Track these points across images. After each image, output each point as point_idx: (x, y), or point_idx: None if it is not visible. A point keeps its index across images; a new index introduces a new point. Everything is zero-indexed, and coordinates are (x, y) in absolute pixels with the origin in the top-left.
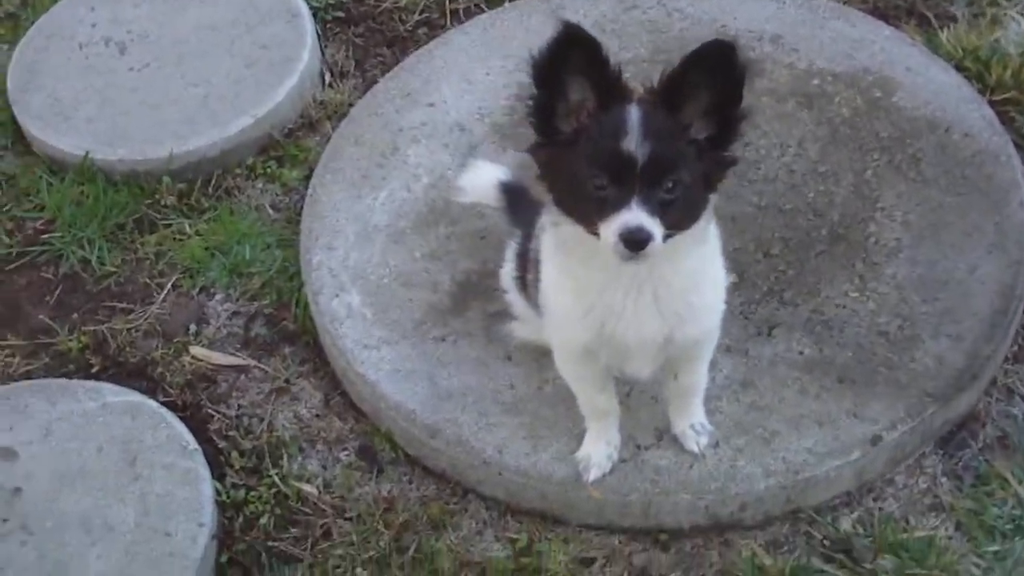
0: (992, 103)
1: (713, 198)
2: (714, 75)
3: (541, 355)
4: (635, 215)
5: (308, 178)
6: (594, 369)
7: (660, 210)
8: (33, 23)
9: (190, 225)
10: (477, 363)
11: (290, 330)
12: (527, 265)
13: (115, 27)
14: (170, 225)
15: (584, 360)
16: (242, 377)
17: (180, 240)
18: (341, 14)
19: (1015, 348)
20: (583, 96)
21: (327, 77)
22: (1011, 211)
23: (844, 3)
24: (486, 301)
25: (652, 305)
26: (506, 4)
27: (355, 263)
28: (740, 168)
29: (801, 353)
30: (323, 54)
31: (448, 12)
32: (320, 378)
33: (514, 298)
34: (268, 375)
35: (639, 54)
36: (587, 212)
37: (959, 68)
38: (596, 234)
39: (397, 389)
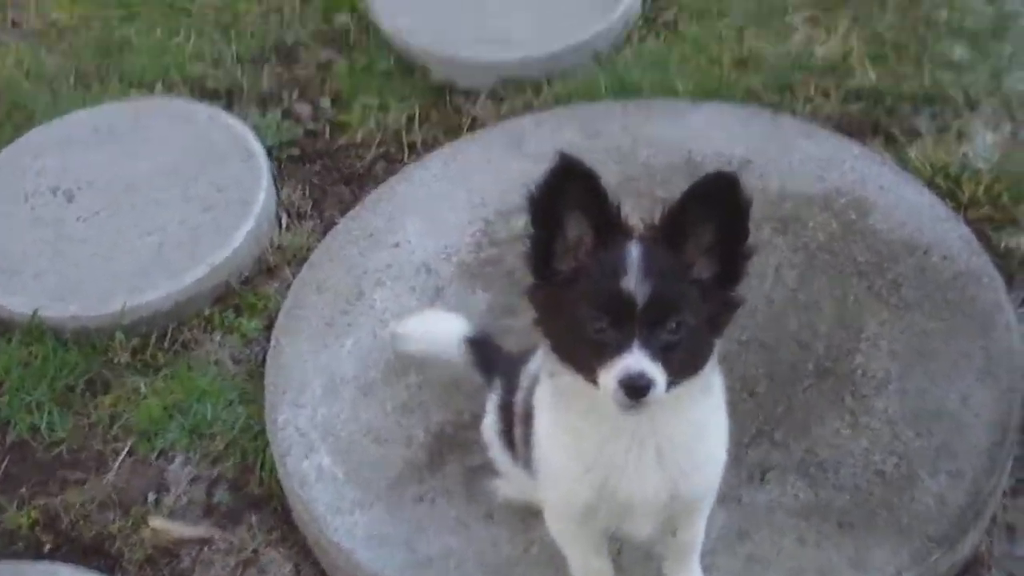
0: (967, 221)
1: (718, 343)
2: (716, 209)
3: (527, 514)
4: (636, 359)
5: (269, 328)
6: (590, 530)
7: (663, 355)
8: None
9: (146, 384)
10: (457, 523)
11: (255, 495)
12: (512, 419)
13: (63, 175)
14: (125, 385)
15: (581, 521)
16: (206, 550)
17: (135, 401)
18: (296, 151)
19: (1012, 482)
20: (581, 232)
21: (284, 219)
22: (998, 335)
23: (810, 119)
24: (464, 454)
25: (655, 461)
26: (466, 136)
27: (324, 419)
28: None
29: (797, 497)
30: (279, 195)
31: (406, 146)
32: (289, 547)
33: (498, 454)
34: (234, 546)
35: (607, 181)
36: (586, 358)
37: (930, 185)
38: (595, 382)
39: (373, 556)
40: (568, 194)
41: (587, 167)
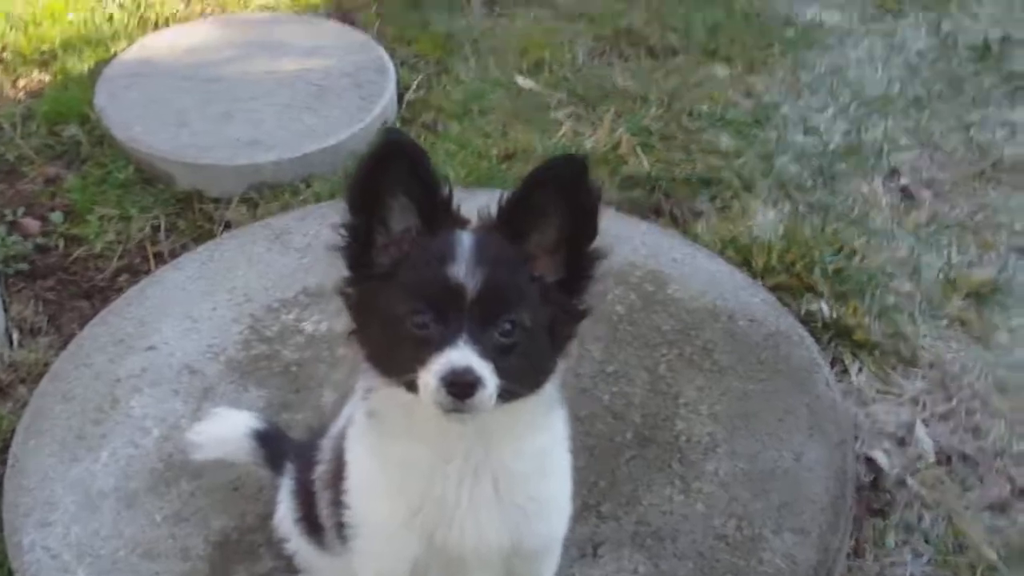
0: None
1: (561, 363)
2: (561, 199)
3: None
4: (462, 354)
5: (3, 451)
6: None
7: (494, 355)
8: None
9: None
10: None
11: None
12: (312, 500)
13: None
14: None
15: None
16: None
17: None
18: (25, 266)
19: (852, 541)
20: (406, 223)
21: (16, 337)
22: (819, 391)
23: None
24: (253, 561)
25: (493, 498)
26: (223, 235)
27: (78, 538)
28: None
29: (636, 572)
30: (6, 312)
31: (151, 256)
32: None
33: (298, 544)
34: None
35: None
36: (405, 359)
37: (722, 256)
38: (415, 388)
39: None
40: (392, 175)
41: (415, 144)
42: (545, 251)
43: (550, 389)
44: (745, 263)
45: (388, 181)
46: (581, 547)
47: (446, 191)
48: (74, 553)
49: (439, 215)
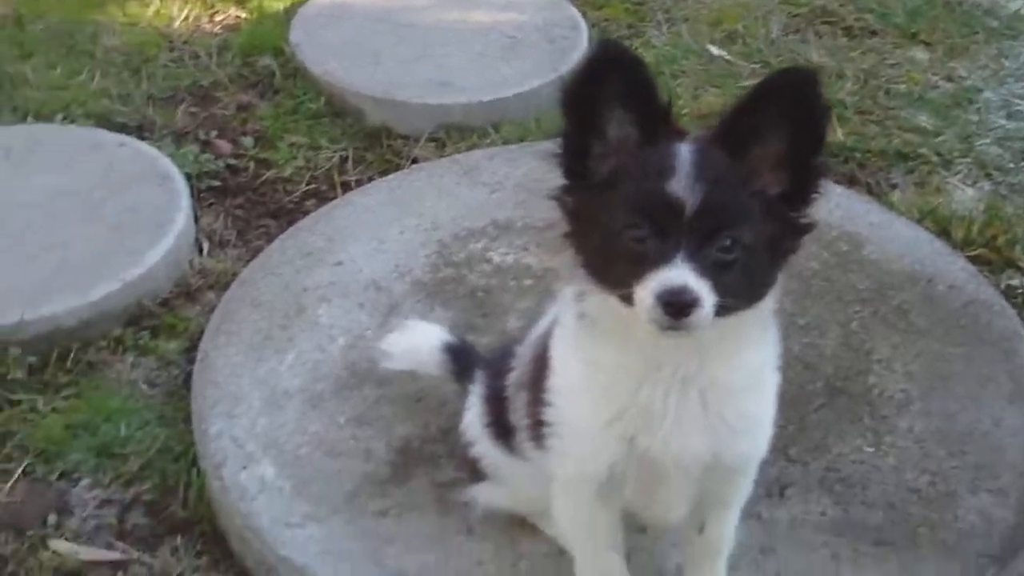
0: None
1: (781, 277)
2: (788, 112)
3: (512, 527)
4: (679, 273)
5: (190, 351)
6: (608, 513)
7: (712, 273)
8: None
9: (45, 402)
10: (432, 539)
11: (179, 518)
12: (503, 405)
13: None
14: (19, 403)
15: (600, 497)
16: (120, 574)
17: (32, 420)
18: (217, 183)
19: None
20: (623, 131)
21: (205, 246)
22: (1022, 361)
23: None
24: (434, 469)
25: (699, 410)
26: (412, 167)
27: (264, 431)
28: None
29: (823, 514)
30: (198, 223)
31: (339, 185)
32: (223, 572)
33: (486, 448)
34: (154, 571)
35: None
36: (621, 273)
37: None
38: (631, 301)
39: (334, 573)
40: (610, 85)
41: (633, 53)
42: (768, 164)
43: (768, 304)
44: (943, 233)
45: (605, 90)
46: (768, 487)
47: (665, 101)
48: (259, 444)
49: (658, 125)
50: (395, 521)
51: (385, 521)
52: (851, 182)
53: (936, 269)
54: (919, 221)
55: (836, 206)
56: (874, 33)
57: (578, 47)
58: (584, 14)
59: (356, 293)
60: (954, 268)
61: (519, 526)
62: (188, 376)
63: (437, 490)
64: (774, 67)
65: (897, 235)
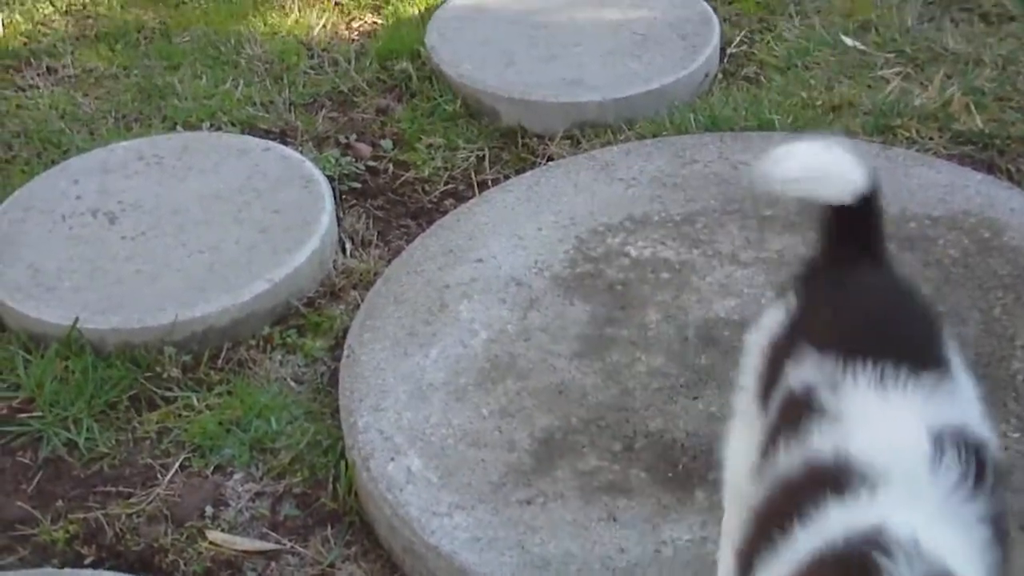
0: None
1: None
2: None
3: (654, 514)
4: None
5: (335, 348)
6: None
7: None
8: (6, 196)
9: (199, 399)
10: (575, 527)
11: (328, 509)
12: None
13: (103, 198)
14: (174, 401)
15: None
16: (273, 564)
17: (187, 416)
18: (357, 185)
19: None
20: None
21: (348, 246)
22: None
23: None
24: (576, 459)
25: None
26: (548, 164)
27: (410, 423)
28: None
29: None
30: (341, 224)
31: (476, 184)
32: (372, 561)
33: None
34: (306, 560)
35: (708, 206)
36: None
37: None
38: None
39: (481, 560)
40: None
41: None
42: None
43: None
44: None
45: None
46: None
47: None
48: (406, 436)
49: None
50: (539, 510)
51: (530, 509)
52: (990, 169)
53: None
54: None
55: (976, 193)
56: (1012, 19)
57: (710, 42)
58: (715, 8)
59: (497, 289)
60: None
61: (661, 514)
62: (334, 373)
63: (580, 479)
64: (909, 56)
65: None
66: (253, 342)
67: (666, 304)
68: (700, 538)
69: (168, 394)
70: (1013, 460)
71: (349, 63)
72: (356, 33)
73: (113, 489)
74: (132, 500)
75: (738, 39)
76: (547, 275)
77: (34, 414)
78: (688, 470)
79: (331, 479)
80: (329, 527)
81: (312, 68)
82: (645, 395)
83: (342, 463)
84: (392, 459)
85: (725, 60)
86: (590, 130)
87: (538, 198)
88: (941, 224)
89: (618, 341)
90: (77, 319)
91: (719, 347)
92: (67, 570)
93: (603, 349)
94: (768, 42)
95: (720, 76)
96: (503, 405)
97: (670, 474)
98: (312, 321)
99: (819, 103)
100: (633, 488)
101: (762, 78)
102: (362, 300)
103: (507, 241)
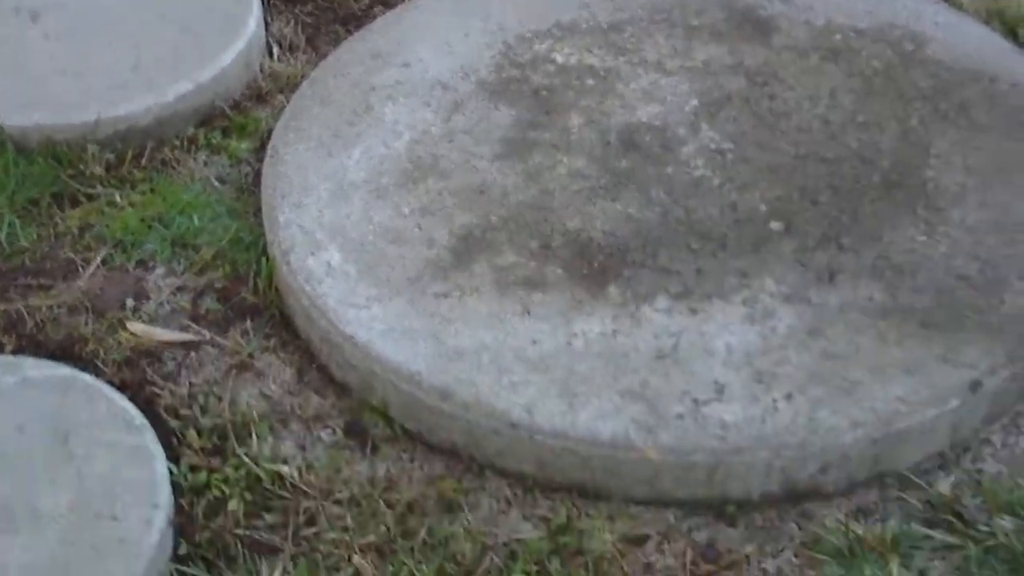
0: None
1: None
2: None
3: (568, 308)
4: None
5: (259, 150)
6: None
7: None
8: None
9: (121, 196)
10: (490, 318)
11: (249, 303)
12: None
13: None
14: (97, 198)
15: None
16: (192, 354)
17: (109, 213)
18: None
19: None
20: None
21: (276, 51)
22: None
23: None
24: (494, 255)
25: None
26: None
27: (331, 220)
28: (769, 120)
29: (871, 299)
30: (269, 29)
31: None
32: (290, 352)
33: None
34: (225, 350)
35: (636, 15)
36: None
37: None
38: None
39: (395, 349)
40: None
41: None
42: None
43: None
44: (1011, 34)
45: None
46: (818, 273)
47: None
48: (326, 232)
49: None
50: (455, 303)
51: (446, 302)
52: None
53: (1001, 68)
54: (986, 22)
55: (903, 6)
56: None
57: None
58: None
59: (422, 92)
60: (1019, 67)
61: (575, 308)
62: (258, 174)
63: (496, 274)
64: None
65: (963, 34)
66: (177, 142)
67: (590, 109)
68: (612, 331)
69: (91, 191)
70: (918, 262)
71: None
72: None
73: (34, 282)
74: (52, 292)
75: None
76: (473, 80)
77: None
78: (603, 267)
79: (252, 274)
80: (249, 320)
81: None
82: (564, 196)
83: (263, 259)
84: (312, 253)
85: None
86: None
87: (467, 4)
88: (866, 36)
89: (540, 144)
90: None
91: (640, 151)
92: None
93: (525, 151)
94: None
95: None
96: (424, 204)
97: (585, 271)
98: (237, 123)
99: None
100: (548, 283)
101: None
102: (294, 94)
103: (434, 46)
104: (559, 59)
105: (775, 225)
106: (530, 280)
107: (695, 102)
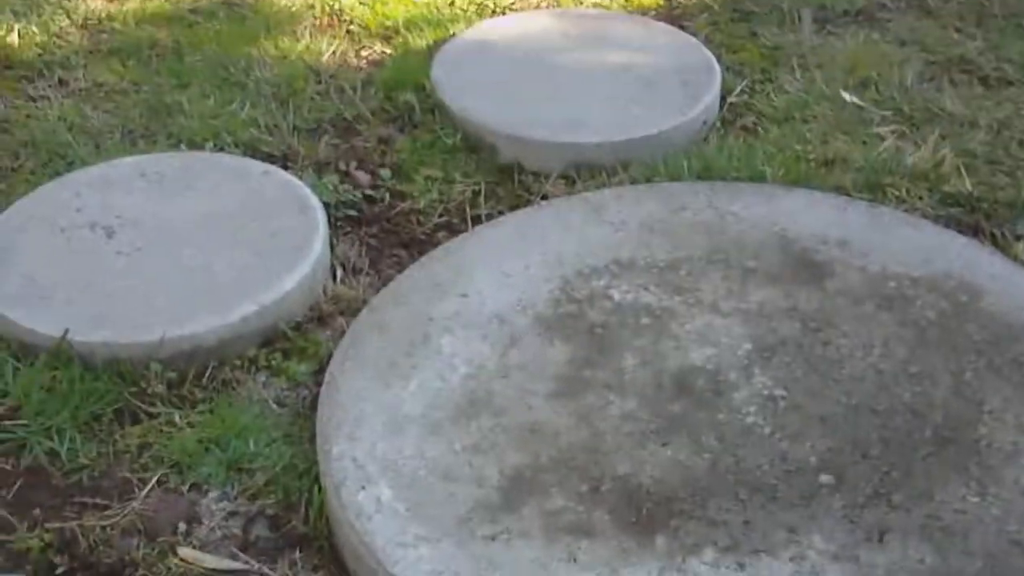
0: None
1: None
2: None
3: (614, 557)
4: None
5: (318, 373)
6: None
7: None
8: (9, 204)
9: (181, 416)
10: (535, 565)
11: (299, 532)
12: None
13: (103, 212)
14: (157, 416)
15: None
16: None
17: (168, 432)
18: (353, 213)
19: None
20: None
21: (339, 273)
22: None
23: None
24: (543, 498)
25: None
26: (541, 203)
27: (384, 454)
28: (822, 367)
29: (921, 562)
30: (334, 251)
31: (469, 219)
32: None
33: None
34: None
35: (693, 254)
36: None
37: None
38: None
39: None
40: None
41: None
42: None
43: None
44: None
45: None
46: (867, 531)
47: None
48: (378, 466)
49: None
50: (503, 546)
51: (493, 545)
52: (975, 232)
53: None
54: None
55: (958, 256)
56: (1011, 83)
57: (710, 91)
58: (719, 57)
59: (479, 325)
60: None
61: (620, 557)
62: (315, 398)
63: (545, 518)
64: (906, 115)
65: (1018, 287)
66: (239, 362)
67: (644, 349)
68: None
69: (152, 409)
70: (969, 524)
71: (355, 91)
72: (364, 62)
73: (90, 500)
74: (108, 512)
75: (739, 88)
76: (530, 313)
77: (19, 422)
78: (651, 515)
79: (304, 503)
80: (298, 550)
81: (318, 94)
82: (615, 438)
83: (315, 488)
84: (363, 487)
85: (725, 108)
86: (586, 171)
87: (527, 236)
88: (921, 285)
89: (594, 384)
90: (67, 331)
91: (692, 395)
92: None
93: (579, 391)
94: (768, 93)
95: (719, 124)
96: (476, 441)
97: (633, 518)
98: (298, 345)
99: (812, 157)
100: (596, 530)
101: (759, 128)
102: (348, 326)
103: (493, 277)
104: (616, 296)
105: (825, 478)
106: (578, 526)
107: (748, 346)
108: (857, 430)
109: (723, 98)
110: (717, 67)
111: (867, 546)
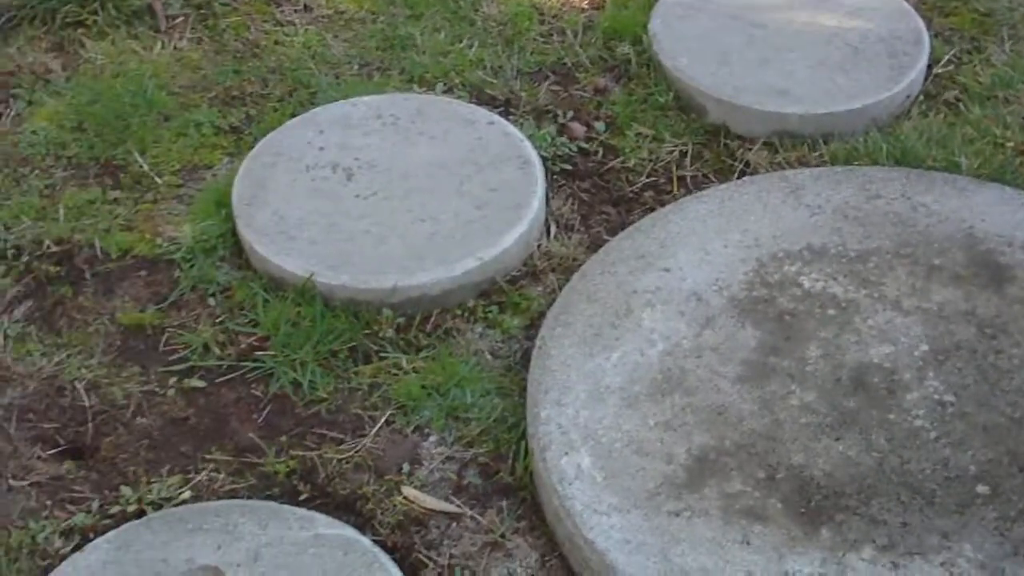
0: None
1: None
2: None
3: (785, 543)
4: None
5: (529, 327)
6: None
7: None
8: (257, 139)
9: (407, 361)
10: (712, 544)
11: (505, 482)
12: None
13: (343, 153)
14: (386, 358)
15: None
16: (454, 525)
17: (396, 375)
18: (568, 167)
19: None
20: None
21: (553, 229)
22: None
23: None
24: (723, 480)
25: None
26: (743, 179)
27: (586, 422)
28: (992, 376)
29: None
30: (549, 205)
31: (675, 179)
32: (537, 537)
33: None
34: (482, 526)
35: (883, 245)
36: None
37: None
38: None
39: (627, 560)
40: None
41: None
42: None
43: None
44: None
45: None
46: (1016, 546)
47: None
48: (580, 434)
49: None
50: (685, 523)
51: (676, 521)
52: None
53: None
54: None
55: None
56: None
57: (917, 64)
58: (930, 21)
59: (678, 301)
60: None
61: (788, 544)
62: (526, 352)
63: (724, 499)
64: None
65: None
66: (459, 312)
67: (827, 341)
68: (818, 573)
69: (382, 351)
70: None
71: (576, 36)
72: (586, 2)
73: (328, 433)
74: (343, 447)
75: (946, 58)
76: (725, 294)
77: (267, 352)
78: (819, 507)
79: (511, 456)
80: (505, 499)
81: (541, 35)
82: (793, 428)
83: (522, 443)
84: (566, 453)
85: (930, 80)
86: (788, 140)
87: (728, 214)
88: None
89: (778, 372)
90: (313, 274)
91: (867, 393)
92: (285, 506)
93: (764, 377)
94: (975, 65)
95: (922, 97)
96: (668, 418)
97: (802, 508)
98: (512, 299)
99: (1010, 144)
100: (768, 516)
101: (961, 106)
102: (559, 284)
103: (694, 253)
104: (806, 283)
105: (981, 488)
106: (752, 510)
107: (925, 347)
108: (1018, 444)
109: (929, 67)
110: (926, 38)
111: (1014, 560)
